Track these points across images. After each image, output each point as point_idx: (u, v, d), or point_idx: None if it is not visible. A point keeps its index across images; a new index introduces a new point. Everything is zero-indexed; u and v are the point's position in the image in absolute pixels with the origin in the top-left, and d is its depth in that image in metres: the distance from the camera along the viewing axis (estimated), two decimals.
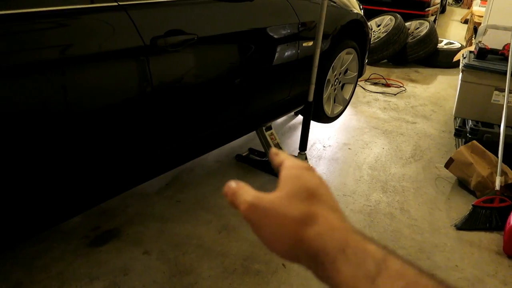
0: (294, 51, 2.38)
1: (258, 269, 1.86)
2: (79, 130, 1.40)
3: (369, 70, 4.96)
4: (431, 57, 5.48)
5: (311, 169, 0.44)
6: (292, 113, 3.35)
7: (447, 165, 2.68)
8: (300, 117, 3.40)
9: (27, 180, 1.32)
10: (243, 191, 0.42)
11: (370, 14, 5.62)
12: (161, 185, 2.43)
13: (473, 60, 3.02)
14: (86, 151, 1.46)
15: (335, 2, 2.81)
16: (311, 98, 2.37)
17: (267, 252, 1.96)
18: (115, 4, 1.47)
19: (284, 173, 0.43)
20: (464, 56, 3.20)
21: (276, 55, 2.26)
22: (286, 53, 2.34)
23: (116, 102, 1.50)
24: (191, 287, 1.75)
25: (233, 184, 0.43)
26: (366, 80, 4.72)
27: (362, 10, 3.31)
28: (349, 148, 3.11)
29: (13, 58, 1.19)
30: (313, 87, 2.34)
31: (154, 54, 1.58)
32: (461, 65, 3.06)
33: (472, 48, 3.36)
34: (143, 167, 1.78)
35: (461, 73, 3.02)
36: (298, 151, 2.52)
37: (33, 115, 1.26)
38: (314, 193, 0.41)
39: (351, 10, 2.99)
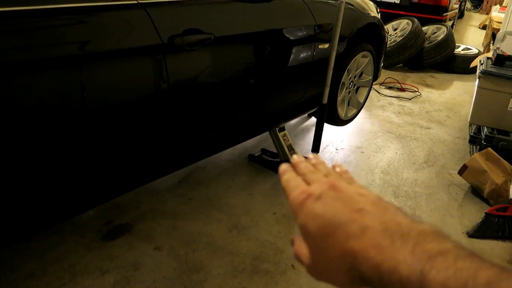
0: (309, 53, 2.38)
1: (267, 269, 1.87)
2: (96, 126, 1.42)
3: (384, 74, 4.93)
4: (447, 62, 5.42)
5: (313, 195, 0.41)
6: (306, 114, 3.35)
7: (460, 172, 2.65)
8: (313, 119, 3.40)
9: (43, 173, 1.35)
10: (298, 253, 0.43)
11: (387, 18, 5.59)
12: (173, 182, 2.45)
13: (491, 67, 2.98)
14: (103, 146, 1.48)
15: (352, 5, 2.81)
16: (325, 100, 2.37)
17: (277, 253, 1.97)
18: (135, 2, 1.49)
19: (300, 225, 0.41)
20: (482, 62, 3.16)
21: (292, 56, 2.26)
22: (302, 55, 2.34)
23: (133, 99, 1.52)
24: (201, 284, 1.77)
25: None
26: (381, 84, 4.70)
27: (379, 14, 3.29)
28: (362, 152, 3.10)
29: (37, 53, 1.22)
30: (327, 89, 2.34)
31: (172, 53, 1.59)
32: (478, 71, 3.03)
33: (490, 54, 3.32)
34: (156, 163, 1.80)
35: (477, 80, 2.99)
36: (311, 153, 2.52)
37: (52, 110, 1.28)
38: (334, 229, 0.38)
39: (368, 13, 2.98)
